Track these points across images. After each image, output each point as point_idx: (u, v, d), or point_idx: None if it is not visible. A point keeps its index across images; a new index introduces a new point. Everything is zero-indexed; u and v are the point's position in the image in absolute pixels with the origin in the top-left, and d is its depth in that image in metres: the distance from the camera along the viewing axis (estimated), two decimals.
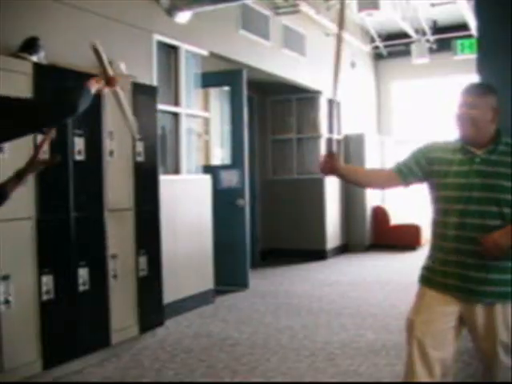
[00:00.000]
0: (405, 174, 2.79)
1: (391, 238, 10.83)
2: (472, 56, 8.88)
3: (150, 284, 5.19)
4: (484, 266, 2.51)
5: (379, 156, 11.41)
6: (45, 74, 4.15)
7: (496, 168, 2.53)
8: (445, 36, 10.83)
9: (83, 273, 4.44)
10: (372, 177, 3.03)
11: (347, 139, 10.85)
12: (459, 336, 2.68)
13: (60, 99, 2.38)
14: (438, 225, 2.69)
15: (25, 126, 2.29)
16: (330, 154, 2.82)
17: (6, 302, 3.81)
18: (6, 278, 3.80)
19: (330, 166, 2.79)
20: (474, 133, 2.58)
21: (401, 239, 10.70)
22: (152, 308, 5.25)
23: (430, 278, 2.73)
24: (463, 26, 10.28)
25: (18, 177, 2.51)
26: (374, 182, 3.07)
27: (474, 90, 2.62)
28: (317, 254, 9.67)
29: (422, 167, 2.74)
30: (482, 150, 2.59)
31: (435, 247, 2.72)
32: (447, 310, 2.62)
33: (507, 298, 2.54)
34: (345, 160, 10.79)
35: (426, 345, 2.60)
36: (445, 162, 2.66)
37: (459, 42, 10.74)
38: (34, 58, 4.30)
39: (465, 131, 2.60)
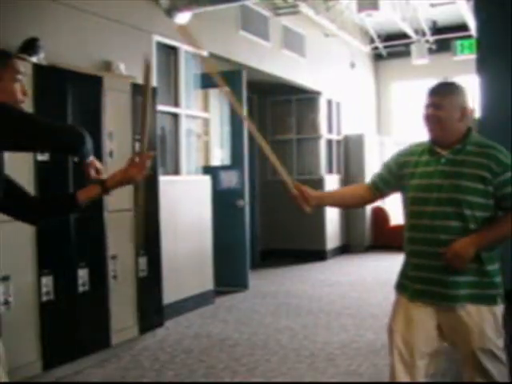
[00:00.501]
0: (379, 187, 2.77)
1: (391, 238, 10.80)
2: (472, 56, 8.87)
3: (149, 285, 5.19)
4: (449, 269, 2.46)
5: (379, 156, 11.40)
6: (44, 75, 4.15)
7: (460, 168, 2.49)
8: (444, 36, 10.85)
9: (83, 274, 4.45)
10: (348, 197, 2.96)
11: (347, 140, 10.86)
12: (440, 339, 2.60)
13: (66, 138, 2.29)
14: (407, 228, 2.66)
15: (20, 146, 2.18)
16: (300, 189, 2.80)
17: (6, 302, 3.81)
18: (5, 278, 3.81)
19: (305, 200, 2.76)
20: (440, 133, 2.55)
21: (400, 240, 10.60)
22: (152, 308, 5.25)
23: (403, 284, 2.70)
24: (463, 27, 10.28)
25: (103, 188, 2.41)
26: (351, 203, 3.03)
27: (440, 90, 2.58)
28: (317, 254, 9.68)
29: (393, 174, 2.72)
30: (448, 150, 2.55)
31: (407, 252, 2.69)
32: (424, 317, 2.56)
33: (479, 301, 2.48)
34: (344, 161, 10.80)
35: (406, 354, 2.55)
36: (411, 165, 2.63)
37: (459, 42, 10.75)
38: (34, 59, 4.31)
39: (432, 132, 2.58)
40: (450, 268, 2.44)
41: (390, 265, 9.16)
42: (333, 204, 3.04)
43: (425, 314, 2.56)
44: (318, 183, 9.71)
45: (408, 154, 2.70)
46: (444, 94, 2.54)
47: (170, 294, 5.77)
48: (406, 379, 2.53)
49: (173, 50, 6.39)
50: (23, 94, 2.24)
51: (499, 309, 2.52)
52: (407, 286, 2.65)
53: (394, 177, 2.72)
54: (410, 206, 2.63)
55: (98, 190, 2.42)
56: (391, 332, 2.65)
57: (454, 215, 2.46)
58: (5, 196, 2.24)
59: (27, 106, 3.91)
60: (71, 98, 4.38)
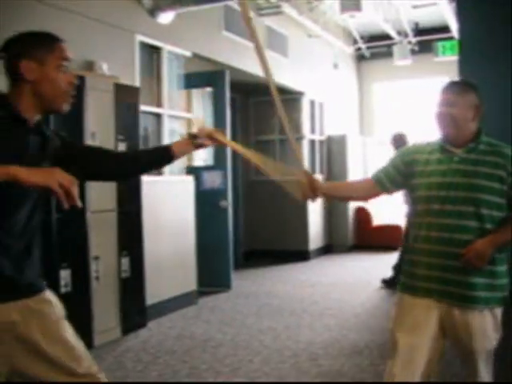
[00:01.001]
0: (384, 182, 2.73)
1: (374, 238, 10.88)
2: (453, 58, 8.96)
3: (132, 285, 5.18)
4: (465, 269, 2.44)
5: (361, 157, 11.46)
6: None
7: (475, 167, 2.47)
8: (426, 38, 10.93)
9: (65, 275, 4.43)
10: (353, 190, 2.96)
11: (329, 140, 10.89)
12: (442, 340, 2.57)
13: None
14: (418, 226, 2.60)
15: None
16: (311, 178, 2.77)
17: None
18: None
19: (313, 190, 2.74)
20: (453, 131, 2.52)
21: (383, 240, 10.74)
22: (135, 309, 5.23)
23: (408, 283, 2.64)
24: (445, 28, 10.37)
25: (193, 142, 2.41)
26: (355, 195, 3.01)
27: (454, 88, 2.56)
28: (299, 254, 9.69)
29: (400, 171, 2.68)
30: (461, 149, 2.53)
31: (417, 250, 2.60)
32: (429, 318, 2.53)
33: (487, 303, 2.47)
34: (327, 161, 10.83)
35: (409, 356, 2.50)
36: (421, 163, 2.60)
37: (440, 43, 10.82)
38: None
39: (444, 130, 2.55)
40: (467, 268, 2.43)
41: (373, 265, 9.22)
42: (338, 196, 3.02)
43: (429, 314, 2.53)
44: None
45: (415, 152, 2.66)
46: (458, 92, 2.52)
47: (153, 294, 5.75)
48: (407, 380, 2.49)
49: (156, 50, 6.37)
50: (69, 84, 2.04)
51: (500, 310, 2.53)
52: (414, 285, 2.60)
53: (400, 175, 2.68)
54: (422, 204, 2.58)
55: (191, 146, 2.42)
56: (393, 333, 2.61)
57: (471, 215, 2.44)
58: (82, 169, 2.21)
59: None
60: None
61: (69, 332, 2.14)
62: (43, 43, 1.99)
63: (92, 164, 2.26)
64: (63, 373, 2.05)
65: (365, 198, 3.07)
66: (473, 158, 2.50)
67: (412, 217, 2.70)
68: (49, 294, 2.12)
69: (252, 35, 2.40)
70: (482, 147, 2.52)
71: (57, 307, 2.13)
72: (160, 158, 2.40)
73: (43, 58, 1.97)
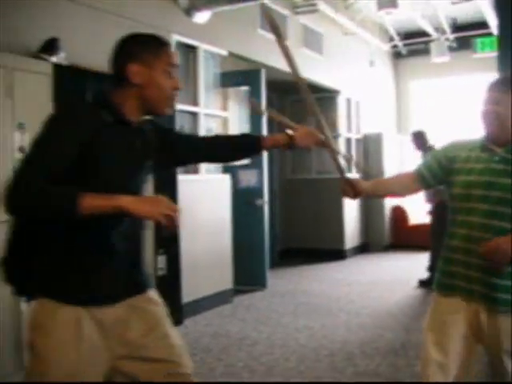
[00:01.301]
0: (426, 178, 2.67)
1: (410, 237, 10.75)
2: (492, 54, 8.82)
3: (168, 283, 5.21)
4: (494, 268, 2.38)
5: (398, 155, 11.35)
6: (64, 75, 4.18)
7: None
8: (465, 34, 10.77)
9: None
10: (394, 186, 2.88)
11: (366, 138, 10.82)
12: (474, 339, 2.50)
13: None
14: (453, 223, 2.56)
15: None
16: (348, 182, 2.73)
17: None
18: None
19: (354, 193, 2.71)
20: (497, 130, 2.45)
21: (419, 239, 10.62)
22: (170, 307, 5.26)
23: (443, 282, 2.58)
24: (483, 24, 10.21)
25: (291, 143, 2.49)
26: (398, 192, 2.96)
27: (499, 86, 2.48)
28: (336, 253, 9.64)
29: (442, 167, 2.61)
30: (502, 148, 2.46)
31: (450, 247, 2.57)
32: (459, 317, 2.48)
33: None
34: (364, 159, 10.75)
35: (439, 355, 2.47)
36: (461, 159, 2.55)
37: (479, 40, 10.66)
38: (54, 59, 4.34)
39: (489, 128, 2.48)
40: (493, 268, 2.37)
41: (410, 264, 9.13)
42: (382, 194, 3.05)
43: (459, 313, 2.49)
44: (337, 182, 9.66)
45: (457, 149, 2.61)
46: (504, 90, 2.44)
47: (189, 292, 5.78)
48: (440, 380, 2.45)
49: (192, 49, 6.40)
50: (174, 89, 2.05)
51: None
52: (447, 283, 2.56)
53: (442, 170, 2.62)
54: (458, 202, 2.54)
55: (285, 142, 2.52)
56: (423, 332, 2.61)
57: (504, 215, 2.39)
58: (176, 156, 2.32)
59: (47, 107, 3.95)
60: (90, 97, 4.40)
61: (171, 330, 2.23)
62: (151, 47, 2.00)
63: (185, 150, 2.34)
64: (163, 371, 2.09)
65: (404, 194, 2.97)
66: None
67: (449, 214, 2.64)
68: (153, 294, 2.20)
69: (279, 43, 2.43)
70: None
71: (160, 305, 2.24)
72: (250, 147, 2.45)
73: (150, 62, 1.97)
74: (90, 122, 1.91)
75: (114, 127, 1.96)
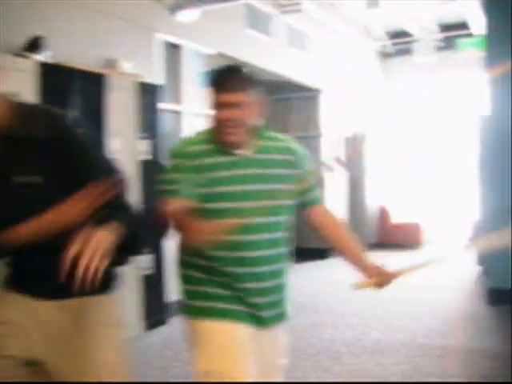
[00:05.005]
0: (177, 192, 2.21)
1: (394, 236, 10.81)
2: (475, 54, 8.93)
3: (154, 282, 5.19)
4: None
5: (384, 154, 11.41)
6: (50, 73, 4.16)
7: (266, 165, 2.24)
8: (449, 34, 10.84)
9: None
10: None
11: (350, 138, 10.82)
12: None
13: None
14: None
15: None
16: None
17: None
18: None
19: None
20: (239, 134, 2.17)
21: (403, 238, 10.69)
22: (157, 306, 5.25)
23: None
24: (467, 25, 10.33)
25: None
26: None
27: (233, 85, 2.15)
28: (319, 252, 9.60)
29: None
30: (246, 149, 2.22)
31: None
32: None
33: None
34: (349, 158, 10.75)
35: None
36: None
37: (463, 40, 10.74)
38: (40, 57, 4.31)
39: (233, 136, 2.16)
40: None
41: (393, 264, 9.15)
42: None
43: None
44: (319, 181, 9.67)
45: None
46: (238, 90, 2.16)
47: (176, 291, 5.75)
48: None
49: (178, 48, 6.38)
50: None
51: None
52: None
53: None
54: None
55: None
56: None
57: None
58: None
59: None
60: (75, 96, 4.38)
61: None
62: None
63: None
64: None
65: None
66: (260, 157, 2.30)
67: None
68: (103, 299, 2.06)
69: None
70: (267, 143, 2.33)
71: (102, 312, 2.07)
72: None
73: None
74: None
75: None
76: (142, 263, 5.07)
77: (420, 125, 12.22)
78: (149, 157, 5.14)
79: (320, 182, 2.51)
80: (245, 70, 2.25)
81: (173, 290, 5.59)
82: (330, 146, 10.20)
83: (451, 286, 7.22)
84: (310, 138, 10.01)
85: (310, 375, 4.24)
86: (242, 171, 2.19)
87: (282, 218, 2.29)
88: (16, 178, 1.88)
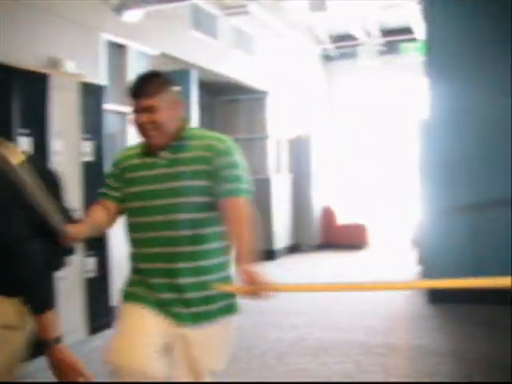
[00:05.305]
0: (105, 195, 2.43)
1: (339, 237, 10.93)
2: (418, 58, 9.10)
3: (98, 285, 5.13)
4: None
5: (327, 156, 11.54)
6: None
7: (181, 166, 2.29)
8: (392, 39, 11.05)
9: None
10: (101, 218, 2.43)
11: (295, 139, 10.91)
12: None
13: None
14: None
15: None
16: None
17: None
18: None
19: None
20: (161, 138, 2.28)
21: (348, 239, 10.82)
22: (101, 309, 5.19)
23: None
24: (410, 29, 10.52)
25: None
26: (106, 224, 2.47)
27: (147, 90, 2.24)
28: (265, 254, 9.64)
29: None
30: (166, 150, 2.30)
31: None
32: None
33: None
34: (293, 161, 10.82)
35: None
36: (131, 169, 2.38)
37: (406, 44, 10.97)
38: None
39: (151, 139, 2.28)
40: None
41: (339, 264, 9.26)
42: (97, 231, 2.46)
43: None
44: (265, 183, 9.74)
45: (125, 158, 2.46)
46: (154, 94, 2.25)
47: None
48: None
49: (122, 49, 6.32)
50: None
51: None
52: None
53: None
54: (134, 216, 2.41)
55: None
56: None
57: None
58: None
59: None
60: (17, 96, 4.30)
61: None
62: None
63: None
64: None
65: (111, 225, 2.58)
66: (181, 156, 2.34)
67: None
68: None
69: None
70: (189, 143, 2.35)
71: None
72: None
73: None
74: None
75: None
76: (85, 266, 5.01)
77: (363, 127, 12.41)
78: (92, 158, 5.08)
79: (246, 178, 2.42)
80: (161, 75, 2.34)
81: (117, 293, 5.54)
82: (276, 148, 10.27)
83: None
84: (257, 139, 10.05)
85: (255, 376, 4.25)
86: (154, 172, 2.30)
87: (194, 215, 2.27)
88: None
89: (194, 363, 2.37)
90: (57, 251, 2.21)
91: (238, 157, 2.37)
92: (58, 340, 1.99)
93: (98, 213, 2.41)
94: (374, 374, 4.19)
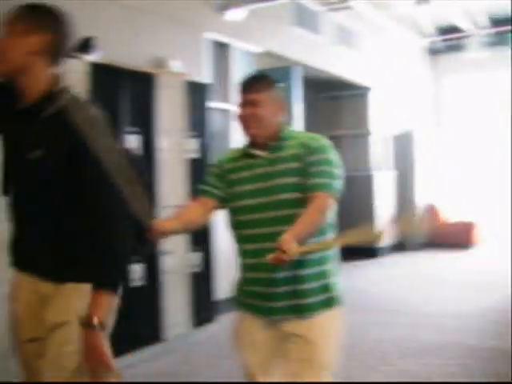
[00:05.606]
0: (206, 192, 2.52)
1: (445, 236, 10.60)
2: None
3: (203, 280, 5.23)
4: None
5: (433, 152, 11.26)
6: (100, 73, 4.23)
7: (280, 165, 2.35)
8: (502, 29, 10.60)
9: (138, 269, 4.50)
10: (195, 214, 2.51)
11: (400, 136, 10.71)
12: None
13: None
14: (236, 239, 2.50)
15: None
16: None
17: None
18: None
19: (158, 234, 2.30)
20: (259, 132, 2.37)
21: (454, 237, 10.48)
22: (205, 303, 5.29)
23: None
24: None
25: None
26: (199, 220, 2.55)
27: (255, 85, 2.39)
28: (368, 251, 9.53)
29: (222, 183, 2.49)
30: (266, 151, 2.39)
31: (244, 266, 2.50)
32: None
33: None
34: (396, 158, 10.62)
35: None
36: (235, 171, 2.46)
37: None
38: (90, 58, 4.38)
39: (249, 131, 2.40)
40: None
41: (445, 263, 9.02)
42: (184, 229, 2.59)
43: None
44: (369, 179, 9.64)
45: (229, 161, 2.53)
46: (260, 90, 2.38)
47: (225, 289, 5.78)
48: None
49: (226, 47, 6.42)
50: None
51: None
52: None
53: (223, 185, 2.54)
54: (238, 215, 2.48)
55: None
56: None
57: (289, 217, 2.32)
58: None
59: None
60: (125, 95, 4.45)
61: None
62: None
63: None
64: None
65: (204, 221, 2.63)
66: (279, 156, 2.40)
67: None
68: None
69: None
70: (287, 143, 2.40)
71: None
72: None
73: None
74: None
75: None
76: (191, 260, 5.12)
77: (470, 121, 11.99)
78: (197, 155, 5.18)
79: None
80: (269, 77, 2.46)
81: (221, 287, 5.64)
82: (379, 145, 10.12)
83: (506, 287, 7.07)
84: (360, 136, 9.96)
85: (355, 375, 4.21)
86: (256, 171, 2.39)
87: (288, 212, 2.30)
88: (27, 153, 2.00)
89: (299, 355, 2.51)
90: (140, 243, 2.26)
91: (332, 155, 2.36)
92: (102, 326, 1.96)
93: (193, 209, 2.52)
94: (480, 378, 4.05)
